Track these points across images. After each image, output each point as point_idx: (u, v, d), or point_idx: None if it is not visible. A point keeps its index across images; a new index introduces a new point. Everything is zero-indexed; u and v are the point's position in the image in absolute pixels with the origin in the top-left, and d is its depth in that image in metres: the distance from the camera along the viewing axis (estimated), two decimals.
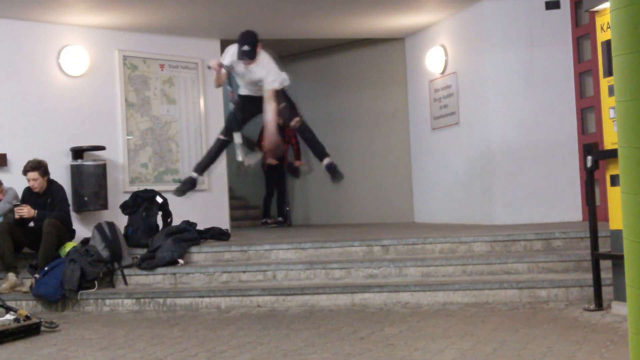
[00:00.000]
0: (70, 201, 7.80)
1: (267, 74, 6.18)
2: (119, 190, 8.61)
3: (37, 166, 7.00)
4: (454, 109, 9.09)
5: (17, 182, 7.38)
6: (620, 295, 4.99)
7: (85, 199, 8.08)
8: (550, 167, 8.32)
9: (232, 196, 10.62)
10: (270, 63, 6.31)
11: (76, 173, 8.11)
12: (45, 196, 7.09)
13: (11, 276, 6.67)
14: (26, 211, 6.86)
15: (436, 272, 6.20)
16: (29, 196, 7.13)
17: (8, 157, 7.80)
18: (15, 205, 6.96)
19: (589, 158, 5.13)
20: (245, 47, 6.06)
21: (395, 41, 10.34)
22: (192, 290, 6.37)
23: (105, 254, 6.77)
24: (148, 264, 6.77)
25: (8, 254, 6.73)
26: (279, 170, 10.71)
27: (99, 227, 7.02)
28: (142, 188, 8.01)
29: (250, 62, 6.14)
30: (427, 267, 6.24)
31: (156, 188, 8.08)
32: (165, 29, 8.93)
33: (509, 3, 8.42)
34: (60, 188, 7.21)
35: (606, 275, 5.35)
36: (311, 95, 11.31)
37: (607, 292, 5.27)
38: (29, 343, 5.08)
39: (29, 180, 7.06)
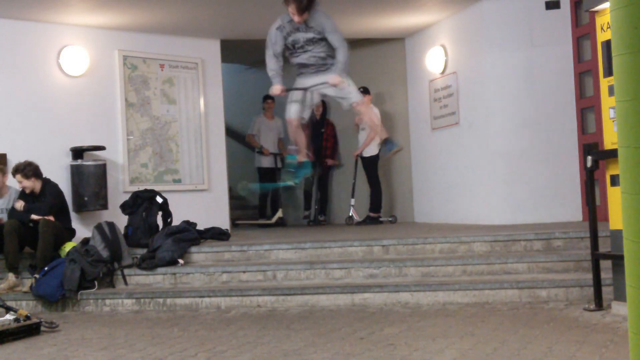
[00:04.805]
0: (70, 201, 7.81)
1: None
2: (119, 190, 8.61)
3: (21, 169, 7.03)
4: (454, 109, 9.09)
5: (10, 183, 7.40)
6: (620, 295, 4.99)
7: (85, 199, 8.08)
8: (550, 167, 8.32)
9: (232, 196, 10.62)
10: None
11: (76, 173, 8.12)
12: (41, 196, 7.11)
13: (11, 277, 6.67)
14: (19, 205, 6.96)
15: (436, 272, 6.20)
16: (28, 198, 7.13)
17: (8, 157, 7.80)
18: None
19: (589, 158, 5.13)
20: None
21: (395, 41, 10.34)
22: (192, 290, 6.36)
23: (105, 254, 6.77)
24: (148, 264, 6.77)
25: (12, 254, 6.72)
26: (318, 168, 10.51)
27: (99, 227, 7.02)
28: (142, 188, 8.01)
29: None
30: (427, 267, 6.24)
31: (156, 188, 8.08)
32: (165, 29, 8.93)
33: (509, 3, 8.42)
34: (53, 186, 7.20)
35: (606, 275, 5.35)
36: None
37: (607, 292, 5.26)
38: (29, 343, 5.07)
39: (18, 183, 7.13)
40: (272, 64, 6.23)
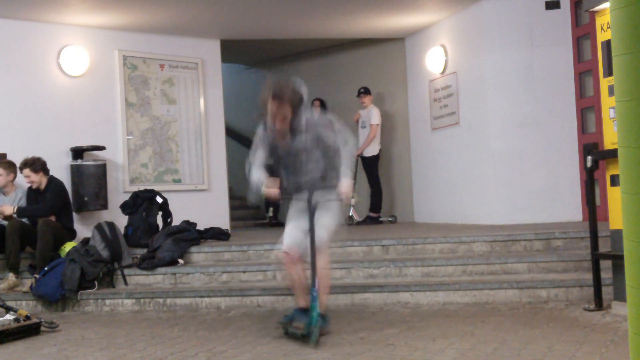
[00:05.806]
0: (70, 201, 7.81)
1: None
2: (119, 190, 8.61)
3: (30, 163, 7.12)
4: (454, 109, 9.09)
5: (17, 181, 7.41)
6: (620, 295, 4.99)
7: (85, 199, 8.08)
8: (550, 167, 8.32)
9: (232, 196, 10.63)
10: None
11: (76, 173, 8.11)
12: (45, 193, 7.15)
13: (11, 276, 6.66)
14: (3, 209, 6.97)
15: (436, 272, 6.20)
16: (31, 194, 7.22)
17: (8, 156, 7.78)
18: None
19: (589, 158, 5.13)
20: None
21: (395, 41, 10.34)
22: (192, 290, 6.36)
23: (105, 254, 6.77)
24: (148, 264, 6.77)
25: (14, 254, 6.72)
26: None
27: (99, 227, 7.02)
28: (142, 188, 8.01)
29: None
30: (427, 267, 6.24)
31: (156, 188, 8.08)
32: (165, 29, 8.93)
33: (509, 3, 8.42)
34: (57, 185, 7.23)
35: (606, 275, 5.35)
36: (311, 95, 11.30)
37: (607, 292, 5.27)
38: (29, 343, 5.07)
39: (25, 177, 7.18)
40: (255, 175, 4.67)
